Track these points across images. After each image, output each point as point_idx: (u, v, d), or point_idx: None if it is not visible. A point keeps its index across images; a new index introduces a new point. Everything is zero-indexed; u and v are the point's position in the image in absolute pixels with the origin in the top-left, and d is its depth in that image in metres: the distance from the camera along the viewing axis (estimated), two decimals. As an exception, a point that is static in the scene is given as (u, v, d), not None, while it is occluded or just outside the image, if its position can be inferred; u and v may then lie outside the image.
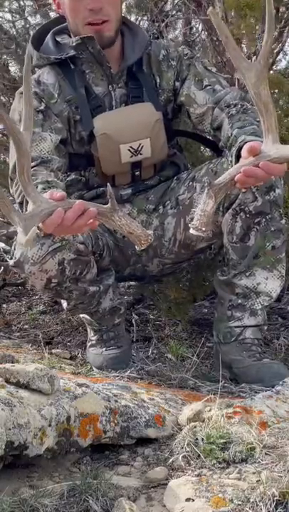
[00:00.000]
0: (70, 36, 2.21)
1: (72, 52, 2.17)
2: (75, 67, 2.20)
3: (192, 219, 1.59)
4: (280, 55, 3.11)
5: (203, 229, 1.60)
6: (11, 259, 2.03)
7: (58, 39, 2.24)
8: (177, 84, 2.23)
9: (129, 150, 2.15)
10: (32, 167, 1.99)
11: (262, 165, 1.59)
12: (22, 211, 1.77)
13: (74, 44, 2.16)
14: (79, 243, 2.03)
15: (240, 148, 1.76)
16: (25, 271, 1.99)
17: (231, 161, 1.88)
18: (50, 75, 2.19)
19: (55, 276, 2.01)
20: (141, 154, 2.18)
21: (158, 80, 2.24)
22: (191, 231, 1.61)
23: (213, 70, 2.26)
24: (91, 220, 1.58)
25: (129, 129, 2.15)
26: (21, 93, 2.15)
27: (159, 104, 2.21)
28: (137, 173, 2.24)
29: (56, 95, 2.17)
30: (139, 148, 2.16)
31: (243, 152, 1.67)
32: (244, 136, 1.88)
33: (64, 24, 2.23)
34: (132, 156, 2.17)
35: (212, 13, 1.57)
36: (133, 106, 2.20)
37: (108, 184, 1.64)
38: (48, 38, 2.24)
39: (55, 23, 2.29)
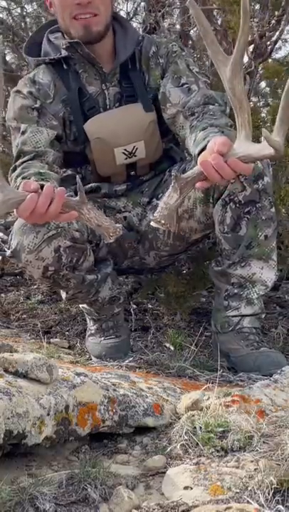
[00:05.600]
0: (63, 35, 2.20)
1: (64, 53, 2.17)
2: (68, 67, 2.19)
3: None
4: (279, 43, 3.07)
5: (163, 222, 1.60)
6: (9, 249, 2.03)
7: (52, 38, 2.23)
8: (161, 82, 2.20)
9: (123, 153, 2.16)
10: (25, 161, 2.02)
11: (230, 162, 1.59)
12: None
13: (64, 46, 2.16)
14: (74, 230, 2.03)
15: (204, 149, 1.75)
16: (22, 260, 1.99)
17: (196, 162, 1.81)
18: (46, 75, 2.19)
19: (52, 264, 2.01)
20: (135, 156, 2.19)
21: (146, 78, 2.22)
22: (152, 223, 1.62)
23: (195, 70, 2.22)
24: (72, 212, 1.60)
25: (122, 133, 2.16)
26: (16, 92, 2.17)
27: (150, 103, 2.19)
28: (132, 173, 2.25)
29: (52, 95, 2.18)
30: (134, 151, 2.17)
31: (211, 144, 1.66)
32: (207, 139, 1.83)
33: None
34: (126, 158, 2.18)
35: (191, 4, 1.55)
36: (126, 107, 2.19)
37: (78, 177, 1.66)
38: (45, 37, 2.24)
39: (49, 26, 2.27)
